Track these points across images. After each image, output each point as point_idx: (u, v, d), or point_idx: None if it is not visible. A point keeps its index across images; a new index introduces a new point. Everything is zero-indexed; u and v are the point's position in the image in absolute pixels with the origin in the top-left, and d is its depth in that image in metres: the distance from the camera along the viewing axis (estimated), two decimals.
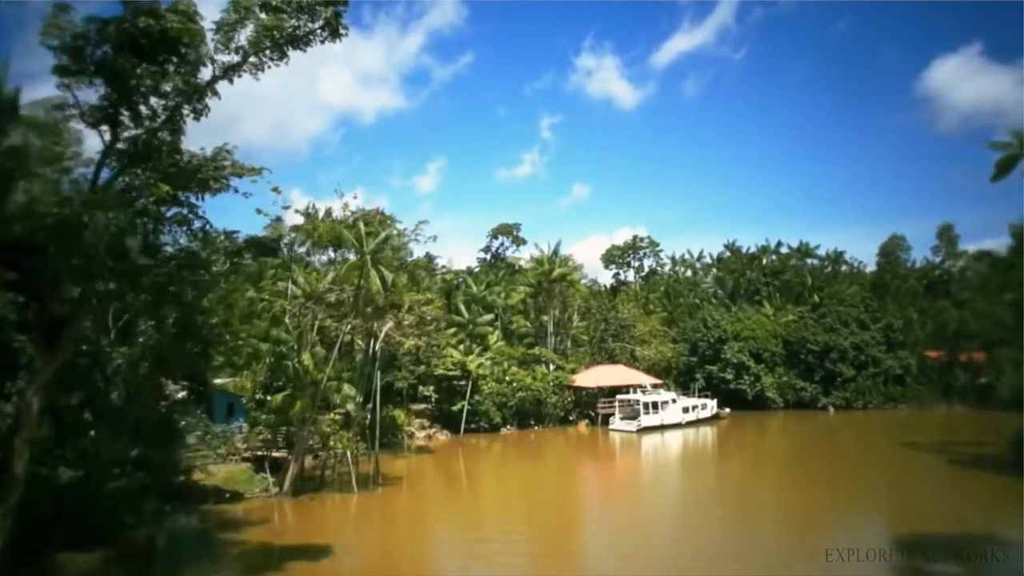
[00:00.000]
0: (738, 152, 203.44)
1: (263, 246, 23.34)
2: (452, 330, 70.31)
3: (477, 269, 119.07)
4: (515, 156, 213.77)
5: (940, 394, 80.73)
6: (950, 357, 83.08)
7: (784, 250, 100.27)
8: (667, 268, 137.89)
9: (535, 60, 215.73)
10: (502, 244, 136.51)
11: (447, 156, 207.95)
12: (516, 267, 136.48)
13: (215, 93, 20.48)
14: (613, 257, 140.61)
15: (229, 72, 20.10)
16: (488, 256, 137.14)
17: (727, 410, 73.29)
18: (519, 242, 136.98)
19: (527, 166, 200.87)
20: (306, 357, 34.95)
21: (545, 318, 74.36)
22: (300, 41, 20.39)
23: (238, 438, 42.64)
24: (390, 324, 37.50)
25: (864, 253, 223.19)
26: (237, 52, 20.06)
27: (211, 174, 23.19)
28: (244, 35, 20.00)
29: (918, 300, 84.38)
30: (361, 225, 36.04)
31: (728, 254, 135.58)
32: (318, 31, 20.28)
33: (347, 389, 35.43)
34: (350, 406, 36.11)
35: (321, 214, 78.57)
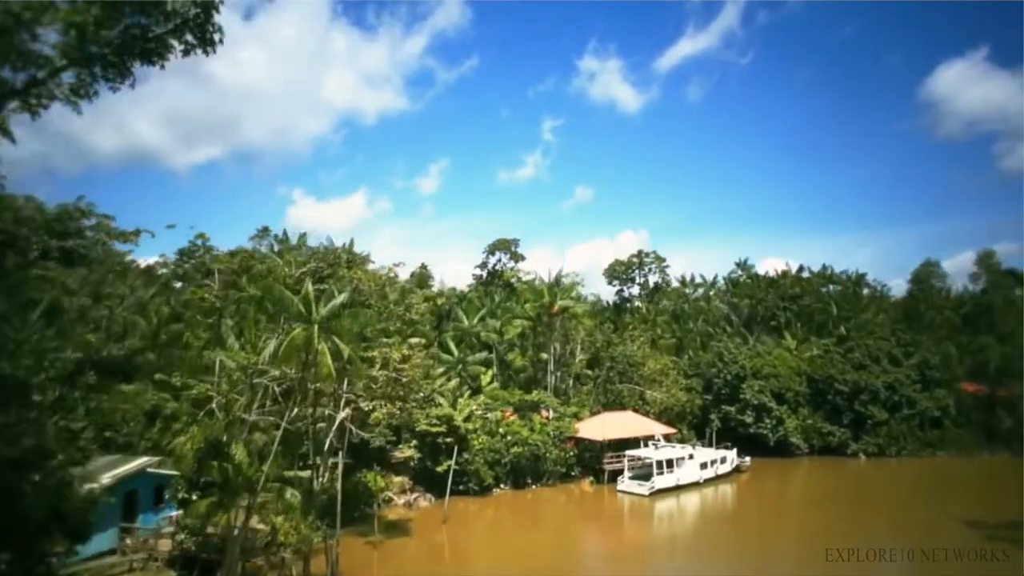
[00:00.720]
0: (741, 156, 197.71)
1: (114, 368, 15.54)
2: (441, 369, 62.63)
3: (471, 290, 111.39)
4: (517, 158, 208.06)
5: (982, 438, 72.88)
6: (991, 393, 75.31)
7: (804, 274, 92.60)
8: (675, 284, 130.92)
9: (538, 63, 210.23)
10: (499, 260, 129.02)
11: (450, 157, 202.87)
12: (514, 285, 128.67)
13: (5, 133, 12.60)
14: (617, 273, 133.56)
15: (21, 97, 12.19)
16: (484, 273, 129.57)
17: (747, 460, 65.31)
18: (517, 258, 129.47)
19: (529, 168, 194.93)
20: (238, 451, 27.11)
21: (545, 356, 66.52)
22: (149, 52, 12.50)
23: (167, 531, 34.85)
24: (346, 412, 29.76)
25: (866, 259, 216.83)
26: (37, 66, 12.17)
27: (53, 244, 15.40)
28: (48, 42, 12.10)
29: (956, 334, 76.52)
30: (309, 285, 28.01)
31: (740, 273, 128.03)
32: (175, 33, 12.40)
33: (290, 496, 27.53)
34: (295, 515, 28.31)
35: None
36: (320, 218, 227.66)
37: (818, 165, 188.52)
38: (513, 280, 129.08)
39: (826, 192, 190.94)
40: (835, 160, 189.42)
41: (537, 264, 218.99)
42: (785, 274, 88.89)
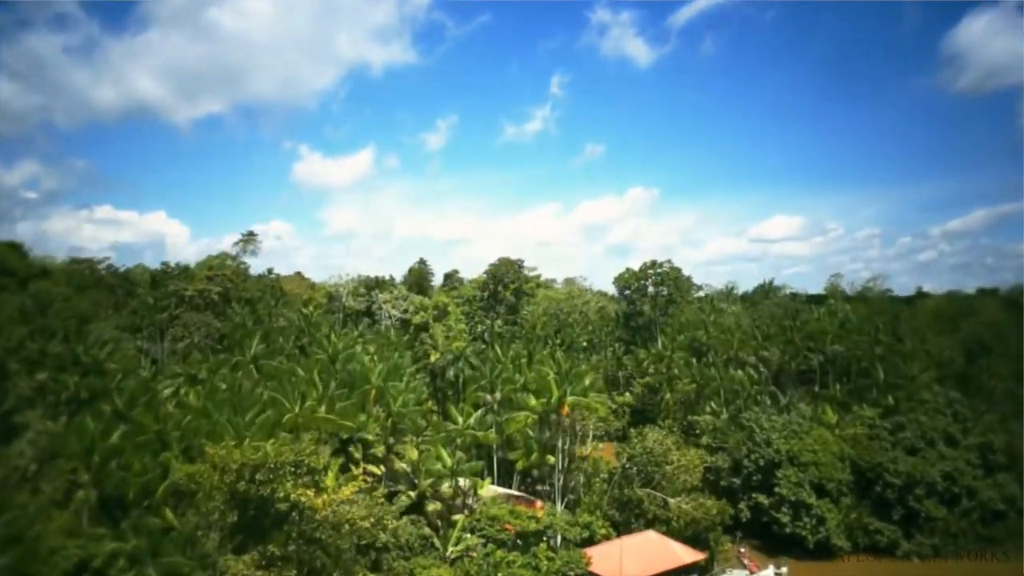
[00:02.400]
0: (755, 112, 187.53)
1: None
2: (430, 480, 54.28)
3: (471, 335, 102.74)
4: (526, 112, 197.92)
5: None
6: None
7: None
8: (685, 273, 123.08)
9: (549, 15, 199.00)
10: (501, 281, 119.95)
11: (458, 113, 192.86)
12: (518, 308, 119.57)
13: None
14: (628, 283, 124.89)
15: None
16: (486, 294, 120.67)
17: (784, 571, 56.95)
18: (526, 282, 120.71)
19: (537, 122, 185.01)
20: None
21: (552, 459, 57.57)
22: None
23: None
24: None
25: (871, 216, 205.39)
26: None
27: None
28: None
29: None
30: None
31: (766, 301, 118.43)
32: None
33: None
34: None
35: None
36: (327, 174, 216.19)
37: (829, 122, 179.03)
38: (524, 293, 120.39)
39: (836, 149, 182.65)
40: (847, 117, 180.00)
41: (544, 219, 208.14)
42: (825, 330, 78.84)
